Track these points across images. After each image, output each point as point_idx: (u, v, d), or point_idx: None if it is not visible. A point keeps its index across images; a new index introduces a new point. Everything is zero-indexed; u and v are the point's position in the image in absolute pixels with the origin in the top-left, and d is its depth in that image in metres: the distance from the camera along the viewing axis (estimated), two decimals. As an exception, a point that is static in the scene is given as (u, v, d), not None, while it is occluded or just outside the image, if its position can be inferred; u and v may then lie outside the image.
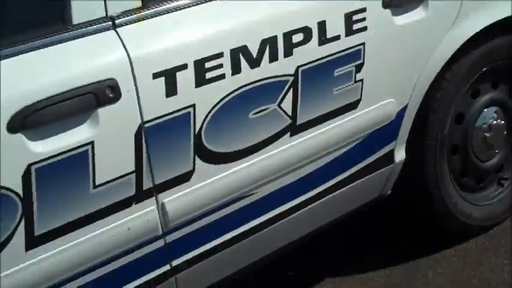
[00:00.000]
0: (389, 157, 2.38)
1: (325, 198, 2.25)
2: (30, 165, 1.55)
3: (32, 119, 1.53)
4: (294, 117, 2.02)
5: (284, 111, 1.99)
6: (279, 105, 1.97)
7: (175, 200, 1.85)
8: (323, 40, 1.99)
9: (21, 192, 1.56)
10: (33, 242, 1.62)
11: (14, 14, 1.61)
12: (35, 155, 1.55)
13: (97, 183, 1.68)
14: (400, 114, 2.32)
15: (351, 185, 2.31)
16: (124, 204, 1.76)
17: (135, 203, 1.78)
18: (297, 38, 1.94)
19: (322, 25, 1.98)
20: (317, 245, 2.80)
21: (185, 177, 1.86)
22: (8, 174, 1.53)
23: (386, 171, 2.41)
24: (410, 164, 2.43)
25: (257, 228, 2.10)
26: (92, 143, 1.63)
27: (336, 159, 2.22)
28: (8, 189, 1.54)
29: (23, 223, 1.59)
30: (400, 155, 2.40)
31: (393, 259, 2.66)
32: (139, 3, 1.72)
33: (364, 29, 2.06)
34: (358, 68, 2.10)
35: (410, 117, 2.35)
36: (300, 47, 1.95)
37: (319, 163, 2.18)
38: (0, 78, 1.50)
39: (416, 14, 2.18)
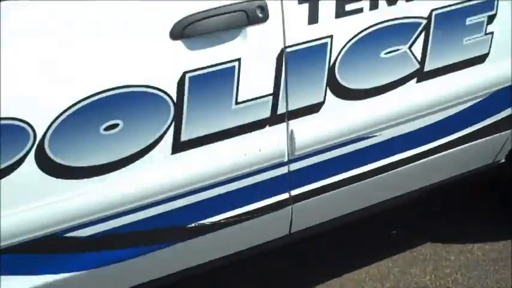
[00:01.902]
0: (509, 121, 2.53)
1: (440, 153, 2.44)
2: (185, 72, 1.82)
3: (191, 29, 1.80)
4: (422, 62, 2.23)
5: (414, 55, 2.20)
6: (409, 47, 2.18)
7: (304, 128, 2.09)
8: (459, -13, 2.19)
9: (174, 97, 1.82)
10: (178, 146, 1.89)
11: None
12: (190, 63, 1.82)
13: (239, 100, 1.93)
14: (529, 75, 2.45)
15: (465, 145, 2.47)
16: (259, 125, 2.00)
17: (269, 126, 2.02)
18: (434, -19, 2.15)
19: (460, -29, 2.17)
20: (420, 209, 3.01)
21: (315, 108, 2.09)
22: (165, 78, 1.80)
23: (503, 136, 2.56)
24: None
25: (377, 171, 2.31)
26: (239, 60, 1.89)
27: (455, 115, 2.40)
28: (163, 91, 1.81)
29: (172, 127, 1.85)
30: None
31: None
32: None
33: (499, -21, 2.25)
34: (490, 20, 2.28)
35: (539, 79, 2.47)
36: (435, -9, 2.15)
37: (438, 116, 2.36)
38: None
39: None
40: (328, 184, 2.25)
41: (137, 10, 1.76)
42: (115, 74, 1.75)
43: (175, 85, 1.82)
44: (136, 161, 1.85)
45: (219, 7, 1.83)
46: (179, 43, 1.80)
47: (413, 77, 2.23)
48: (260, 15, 1.88)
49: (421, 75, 2.25)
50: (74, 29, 1.70)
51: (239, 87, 1.92)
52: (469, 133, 2.47)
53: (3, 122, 1.65)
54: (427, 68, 2.25)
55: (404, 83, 2.22)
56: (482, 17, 2.26)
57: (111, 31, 1.73)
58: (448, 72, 2.30)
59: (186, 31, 1.79)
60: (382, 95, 2.20)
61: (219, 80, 1.88)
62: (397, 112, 2.25)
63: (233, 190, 2.06)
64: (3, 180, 1.71)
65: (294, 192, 2.20)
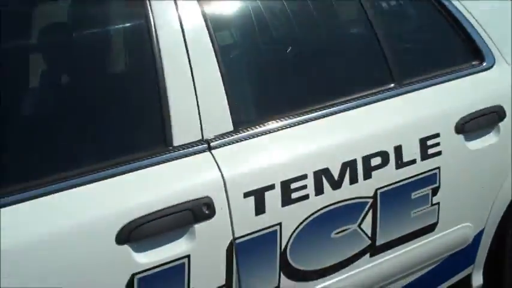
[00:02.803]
0: (466, 282, 2.58)
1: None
2: (133, 275, 1.83)
3: (137, 232, 1.83)
4: (373, 238, 2.28)
5: (364, 232, 2.25)
6: (359, 225, 2.23)
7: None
8: (400, 164, 2.28)
9: (124, 300, 1.83)
10: None
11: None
12: (138, 265, 1.84)
13: (191, 296, 1.94)
14: (477, 239, 2.54)
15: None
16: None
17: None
18: (375, 161, 2.24)
19: (398, 149, 2.28)
20: None
21: (270, 294, 2.11)
22: (114, 283, 1.82)
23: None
24: (488, 290, 2.63)
25: None
26: (188, 256, 1.91)
27: (412, 283, 2.44)
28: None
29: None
30: (477, 280, 2.60)
31: None
32: (230, 127, 2.05)
33: (439, 153, 2.35)
34: (435, 192, 2.37)
35: (487, 241, 2.57)
36: (378, 170, 2.24)
37: (396, 286, 2.40)
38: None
39: (489, 139, 2.48)
40: None
41: (86, 217, 1.79)
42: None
43: (124, 288, 1.83)
44: None
45: (165, 208, 1.87)
46: (126, 247, 1.82)
47: (366, 252, 2.27)
48: (206, 212, 1.92)
49: (374, 249, 2.29)
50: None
51: (190, 282, 1.93)
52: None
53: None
54: (378, 242, 2.29)
55: (357, 259, 2.26)
56: (427, 190, 2.34)
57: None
58: (401, 244, 2.35)
59: (132, 235, 1.82)
60: (336, 273, 2.22)
61: (168, 279, 1.90)
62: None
63: None
64: None
65: None
